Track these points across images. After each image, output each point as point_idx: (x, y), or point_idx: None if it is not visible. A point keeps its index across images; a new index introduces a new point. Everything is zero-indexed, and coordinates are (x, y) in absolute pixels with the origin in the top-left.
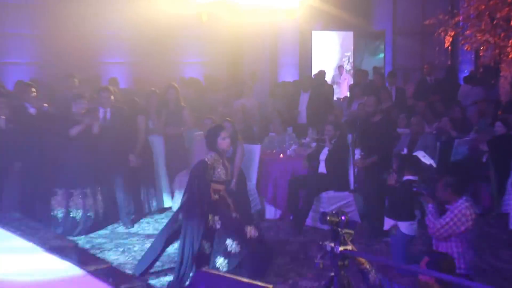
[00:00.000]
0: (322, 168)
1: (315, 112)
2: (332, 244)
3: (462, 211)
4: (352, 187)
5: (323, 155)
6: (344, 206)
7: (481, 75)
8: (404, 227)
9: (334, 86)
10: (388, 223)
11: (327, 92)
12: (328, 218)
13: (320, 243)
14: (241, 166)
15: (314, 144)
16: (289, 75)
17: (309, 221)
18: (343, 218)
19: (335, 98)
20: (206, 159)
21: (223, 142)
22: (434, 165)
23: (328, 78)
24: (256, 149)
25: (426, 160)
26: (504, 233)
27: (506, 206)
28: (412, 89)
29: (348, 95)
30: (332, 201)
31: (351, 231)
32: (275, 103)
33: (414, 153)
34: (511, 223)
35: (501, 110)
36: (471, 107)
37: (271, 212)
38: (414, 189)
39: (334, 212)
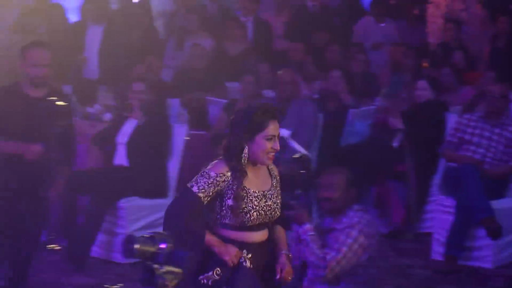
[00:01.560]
0: (121, 158)
1: (113, 59)
2: None
3: (359, 228)
4: (172, 190)
5: (123, 136)
6: (161, 224)
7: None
8: None
9: None
10: None
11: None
12: (136, 246)
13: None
14: None
15: (108, 116)
16: None
17: (98, 250)
18: (163, 246)
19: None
20: None
21: None
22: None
23: None
24: None
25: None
26: (424, 267)
27: (429, 222)
28: (284, 22)
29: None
30: (139, 215)
31: (178, 270)
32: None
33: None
34: (435, 251)
35: (427, 61)
36: (376, 54)
37: None
38: None
39: (147, 236)
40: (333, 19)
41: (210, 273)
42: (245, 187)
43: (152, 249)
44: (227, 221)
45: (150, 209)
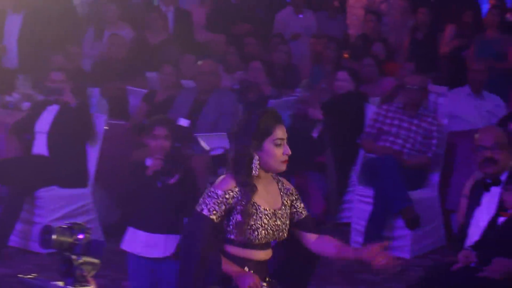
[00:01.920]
0: (40, 147)
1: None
2: (60, 284)
3: None
4: (91, 180)
5: (42, 125)
6: (80, 214)
7: None
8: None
9: None
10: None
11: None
12: (53, 237)
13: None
14: None
15: (26, 105)
16: None
17: (16, 239)
18: (80, 236)
19: None
20: None
21: None
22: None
23: None
24: None
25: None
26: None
27: (348, 212)
28: (205, 13)
29: None
30: (58, 205)
31: (96, 260)
32: None
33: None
34: (353, 241)
35: (348, 52)
36: (297, 45)
37: None
38: None
39: (65, 226)
40: (255, 10)
41: None
42: (255, 203)
43: (69, 239)
44: (232, 237)
45: (69, 199)
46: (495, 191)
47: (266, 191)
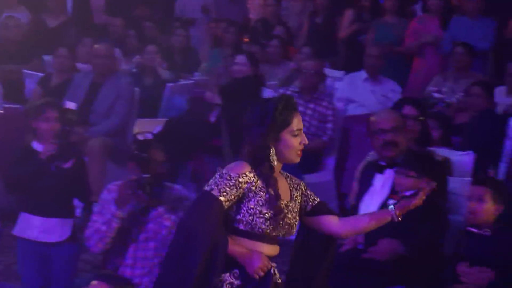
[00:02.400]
0: None
1: None
2: None
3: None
4: None
5: None
6: None
7: None
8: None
9: None
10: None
11: None
12: None
13: None
14: None
15: None
16: None
17: None
18: None
19: None
20: None
21: None
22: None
23: None
24: None
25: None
26: None
27: None
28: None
29: None
30: None
31: None
32: None
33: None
34: None
35: (248, 36)
36: (197, 28)
37: None
38: None
39: None
40: None
41: (227, 275)
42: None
43: None
44: (241, 227)
45: None
46: (390, 174)
47: (279, 184)
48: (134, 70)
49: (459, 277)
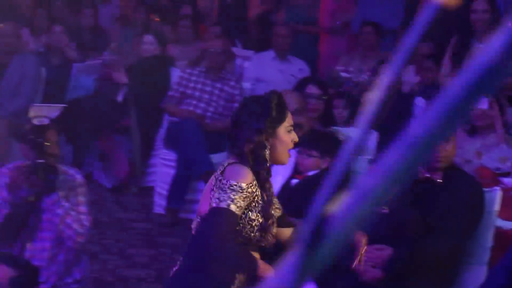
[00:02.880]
0: None
1: None
2: None
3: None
4: None
5: None
6: None
7: None
8: None
9: None
10: None
11: None
12: None
13: None
14: None
15: None
16: None
17: None
18: None
19: None
20: None
21: None
22: None
23: None
24: None
25: None
26: (146, 220)
27: (152, 176)
28: None
29: None
30: None
31: None
32: None
33: None
34: (157, 204)
35: (157, 15)
36: (106, 7)
37: None
38: None
39: None
40: None
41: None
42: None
43: None
44: (239, 238)
45: None
46: (293, 154)
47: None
48: (41, 50)
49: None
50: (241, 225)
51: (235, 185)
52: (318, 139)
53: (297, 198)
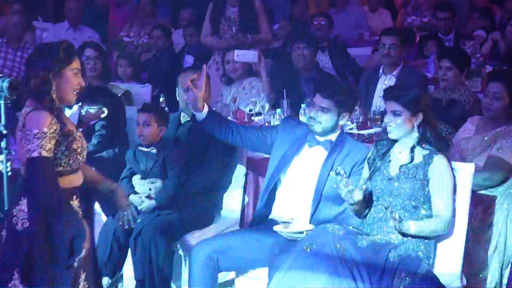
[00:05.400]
0: None
1: None
2: None
3: None
4: None
5: None
6: None
7: None
8: None
9: None
10: None
11: None
12: None
13: None
14: None
15: None
16: None
17: None
18: None
19: None
20: None
21: None
22: None
23: None
24: None
25: None
26: None
27: None
28: None
29: None
30: None
31: None
32: None
33: None
34: None
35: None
36: None
37: None
38: None
39: None
40: None
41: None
42: (70, 130)
43: None
44: (60, 168)
45: None
46: (77, 108)
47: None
48: None
49: None
50: (57, 159)
51: (38, 133)
52: (95, 94)
53: None
